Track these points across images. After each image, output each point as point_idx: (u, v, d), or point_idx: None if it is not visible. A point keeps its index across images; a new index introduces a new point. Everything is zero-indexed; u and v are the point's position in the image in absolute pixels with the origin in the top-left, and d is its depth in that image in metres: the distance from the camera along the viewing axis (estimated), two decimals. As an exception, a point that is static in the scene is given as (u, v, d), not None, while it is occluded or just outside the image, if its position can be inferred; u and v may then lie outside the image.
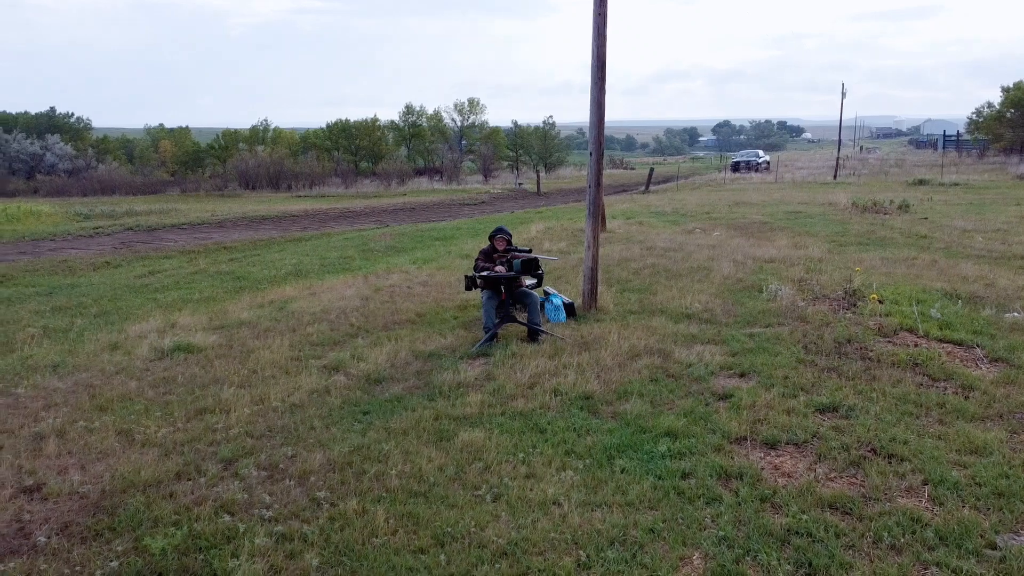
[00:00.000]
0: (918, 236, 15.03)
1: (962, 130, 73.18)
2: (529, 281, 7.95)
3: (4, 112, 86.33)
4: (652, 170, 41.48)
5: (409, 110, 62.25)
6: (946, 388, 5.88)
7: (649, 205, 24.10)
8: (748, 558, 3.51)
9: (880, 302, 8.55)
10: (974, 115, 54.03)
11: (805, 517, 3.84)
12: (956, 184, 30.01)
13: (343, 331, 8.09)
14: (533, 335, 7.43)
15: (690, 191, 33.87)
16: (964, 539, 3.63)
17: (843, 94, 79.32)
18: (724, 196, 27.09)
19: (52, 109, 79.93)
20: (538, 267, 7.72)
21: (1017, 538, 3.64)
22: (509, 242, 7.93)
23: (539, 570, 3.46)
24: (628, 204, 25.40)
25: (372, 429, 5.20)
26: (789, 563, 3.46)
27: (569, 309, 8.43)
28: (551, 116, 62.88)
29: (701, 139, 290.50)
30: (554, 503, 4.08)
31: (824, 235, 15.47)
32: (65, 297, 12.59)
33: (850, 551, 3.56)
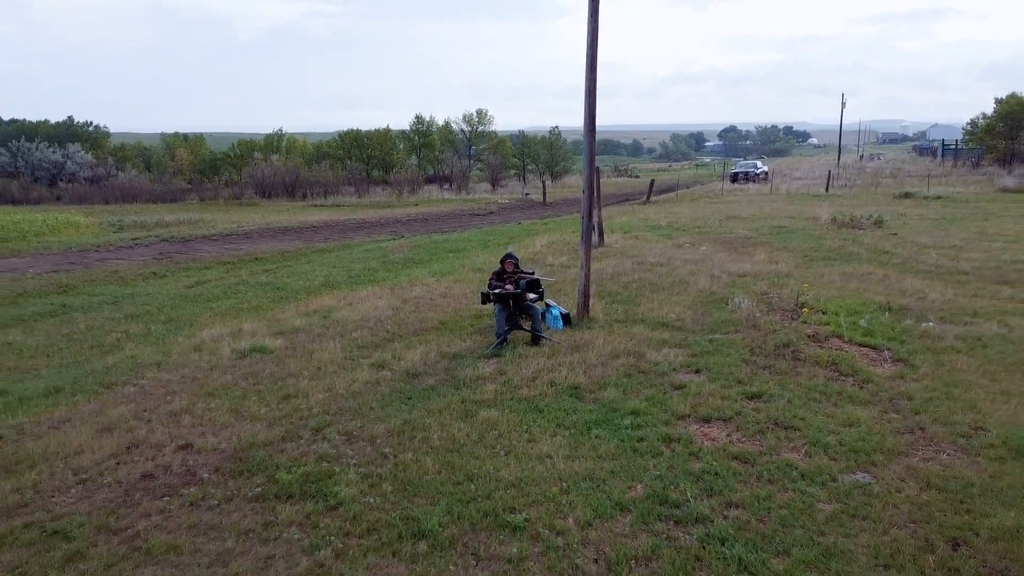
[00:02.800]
0: (881, 252, 16.83)
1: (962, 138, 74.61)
2: (532, 296, 9.79)
3: (25, 121, 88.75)
4: (653, 182, 43.29)
5: (419, 120, 64.24)
6: (849, 381, 7.72)
7: (647, 218, 25.92)
8: (672, 487, 5.37)
9: (822, 312, 10.40)
10: (968, 125, 55.65)
11: (716, 464, 5.70)
12: (939, 197, 31.72)
13: (381, 336, 9.98)
14: (535, 340, 9.29)
15: (688, 203, 35.67)
16: (817, 476, 5.48)
17: (843, 104, 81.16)
18: (718, 209, 28.90)
19: (71, 118, 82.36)
20: (539, 286, 9.59)
21: (852, 476, 5.49)
22: (516, 265, 9.79)
23: (535, 494, 5.32)
24: (627, 217, 27.22)
25: (415, 409, 7.08)
26: (698, 489, 5.32)
27: (566, 319, 10.29)
28: (557, 126, 64.76)
29: (708, 144, 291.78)
30: (547, 456, 5.94)
31: (798, 250, 17.28)
32: (131, 305, 14.51)
33: (740, 482, 5.42)
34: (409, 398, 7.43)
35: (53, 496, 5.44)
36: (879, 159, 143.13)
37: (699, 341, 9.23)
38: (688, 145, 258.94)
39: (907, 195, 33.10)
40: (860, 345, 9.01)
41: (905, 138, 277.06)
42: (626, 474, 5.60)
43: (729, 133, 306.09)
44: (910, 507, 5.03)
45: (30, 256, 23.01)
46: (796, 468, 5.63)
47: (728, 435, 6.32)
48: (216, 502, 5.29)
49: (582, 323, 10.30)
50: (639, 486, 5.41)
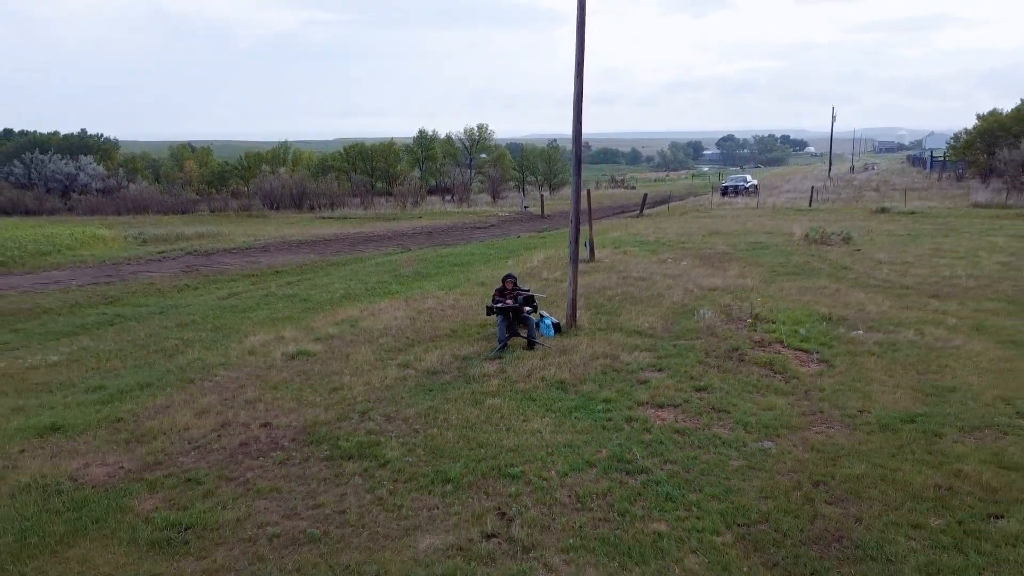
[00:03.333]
0: (841, 267, 18.88)
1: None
2: (528, 309, 11.81)
3: (36, 133, 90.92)
4: (646, 196, 45.36)
5: (423, 134, 66.37)
6: (778, 378, 9.76)
7: (637, 233, 27.97)
8: (627, 451, 7.39)
9: (772, 322, 12.44)
10: (952, 140, 57.81)
11: (662, 435, 7.74)
12: (912, 213, 33.79)
13: (403, 342, 12.01)
14: (531, 345, 11.31)
15: (678, 217, 37.73)
16: (735, 444, 7.52)
17: (833, 117, 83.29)
18: (704, 224, 30.96)
19: (83, 131, 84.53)
20: (534, 301, 11.64)
21: (760, 443, 7.53)
22: (515, 283, 11.82)
23: (528, 456, 7.34)
24: (619, 232, 29.26)
25: (436, 398, 9.10)
26: (646, 452, 7.35)
27: (556, 327, 12.32)
28: (555, 140, 66.89)
29: (706, 152, 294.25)
30: (538, 431, 7.97)
31: (768, 266, 19.32)
32: (177, 316, 16.53)
33: (677, 447, 7.45)
34: (431, 390, 9.47)
35: (178, 457, 7.48)
36: (873, 169, 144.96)
37: (665, 346, 11.27)
38: (686, 154, 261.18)
39: (883, 210, 35.17)
40: (796, 349, 11.06)
41: (901, 147, 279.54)
42: (595, 443, 7.63)
43: (727, 142, 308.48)
44: (793, 462, 7.07)
45: (69, 269, 25.07)
46: (720, 439, 7.67)
47: (675, 416, 8.36)
48: (298, 461, 7.33)
49: (570, 331, 12.33)
50: (604, 451, 7.44)
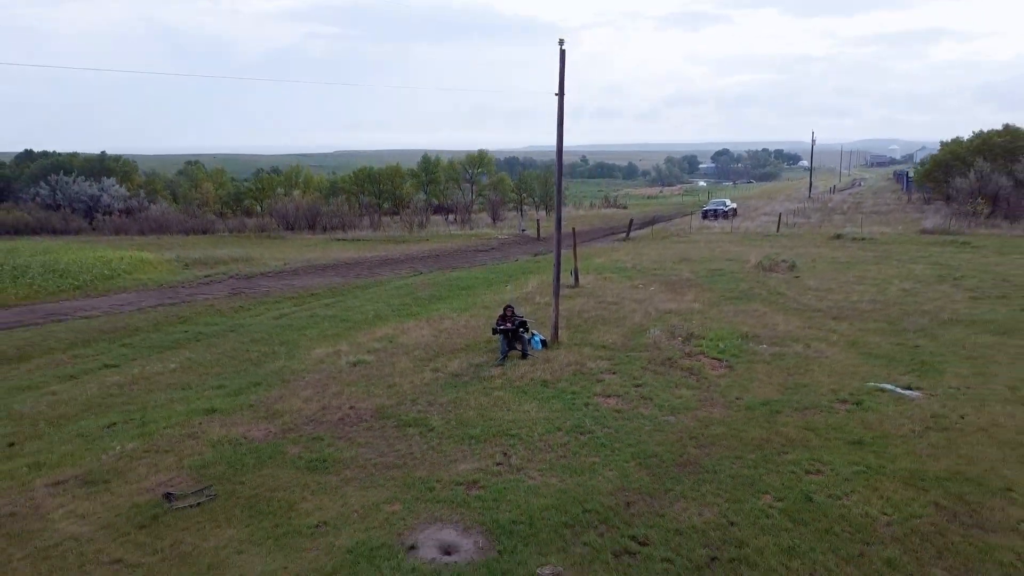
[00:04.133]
0: (776, 293, 23.35)
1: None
2: (522, 330, 16.24)
3: (57, 154, 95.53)
4: (632, 221, 49.91)
5: (427, 160, 71.05)
6: (693, 379, 14.22)
7: (618, 260, 32.48)
8: (583, 422, 11.86)
9: (702, 339, 16.91)
10: (918, 165, 62.50)
11: (606, 413, 12.21)
12: (864, 239, 38.34)
13: (431, 353, 16.48)
14: (524, 356, 15.76)
15: (658, 242, 42.24)
16: (651, 418, 11.99)
17: (812, 142, 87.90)
18: (678, 251, 35.49)
19: (103, 153, 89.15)
20: (527, 324, 16.14)
21: (666, 418, 12.01)
22: (513, 311, 16.28)
23: (521, 425, 11.79)
24: (603, 258, 33.75)
25: (460, 391, 13.56)
26: (594, 423, 11.81)
27: (543, 343, 16.78)
28: (551, 163, 71.40)
29: (701, 166, 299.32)
30: (527, 411, 12.43)
31: (718, 291, 23.80)
32: (247, 333, 20.95)
33: (614, 420, 11.91)
34: (455, 386, 13.93)
35: (302, 426, 11.94)
36: (859, 185, 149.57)
37: (620, 356, 15.75)
38: (681, 168, 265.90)
39: (838, 236, 39.75)
40: (713, 359, 15.54)
41: (893, 161, 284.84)
42: (563, 417, 12.09)
43: (722, 156, 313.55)
44: (683, 428, 11.54)
45: (135, 292, 29.56)
46: (642, 415, 12.14)
47: (616, 402, 12.84)
48: (377, 428, 11.79)
49: (553, 345, 16.81)
50: (568, 422, 11.91)
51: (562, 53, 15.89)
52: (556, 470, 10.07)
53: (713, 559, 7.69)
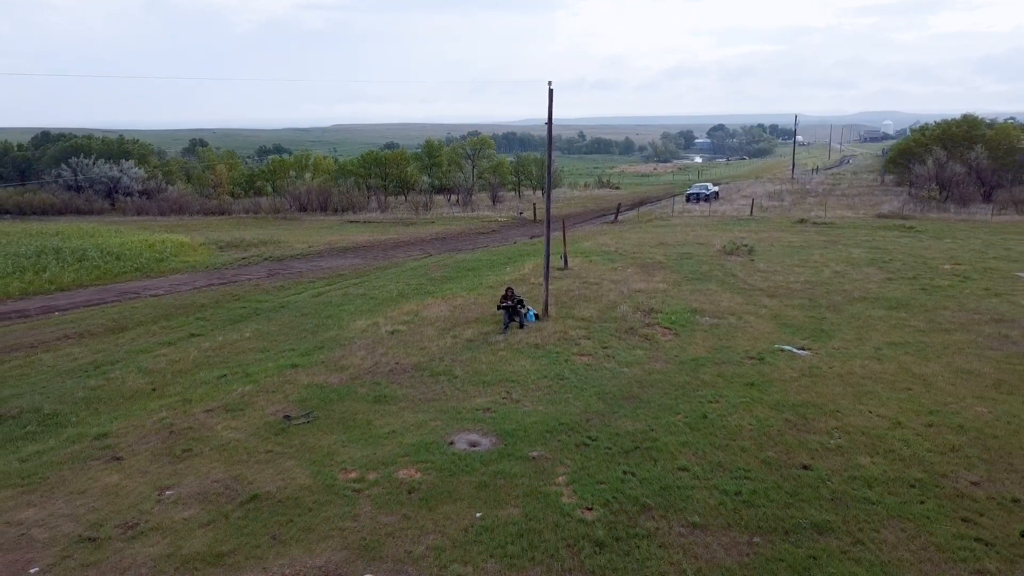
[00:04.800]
0: (730, 275, 28.14)
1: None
2: (520, 306, 21.03)
3: (74, 137, 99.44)
4: (619, 205, 54.56)
5: (430, 144, 75.45)
6: (647, 343, 19.10)
7: (603, 244, 37.21)
8: (562, 371, 16.74)
9: (660, 313, 21.77)
10: (885, 152, 67.02)
11: (580, 365, 17.10)
12: (824, 224, 43.09)
13: (449, 324, 21.31)
14: (521, 326, 20.59)
15: (642, 225, 46.96)
16: (612, 369, 16.88)
17: (795, 126, 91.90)
18: (657, 235, 40.24)
19: (121, 136, 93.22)
20: (524, 302, 20.97)
21: (622, 369, 16.90)
22: (513, 292, 21.09)
23: (519, 375, 16.67)
24: (590, 242, 38.46)
25: (473, 352, 18.43)
26: (570, 373, 16.70)
27: (536, 317, 21.60)
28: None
29: (697, 141, 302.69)
30: (524, 365, 17.31)
31: (683, 273, 28.58)
32: (296, 309, 25.71)
33: (585, 371, 16.80)
34: (470, 348, 18.79)
35: (364, 375, 16.81)
36: (847, 163, 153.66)
37: (595, 327, 20.60)
38: (677, 144, 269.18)
39: (802, 221, 44.49)
40: (665, 328, 20.40)
41: (885, 136, 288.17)
42: (548, 369, 16.98)
43: (718, 131, 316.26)
44: (632, 376, 16.43)
45: (186, 274, 34.33)
46: (606, 367, 17.03)
47: (587, 359, 17.72)
48: (417, 376, 16.67)
49: (544, 318, 21.64)
50: (552, 372, 16.79)
51: (550, 92, 20.52)
52: (542, 402, 14.97)
53: (636, 447, 12.59)
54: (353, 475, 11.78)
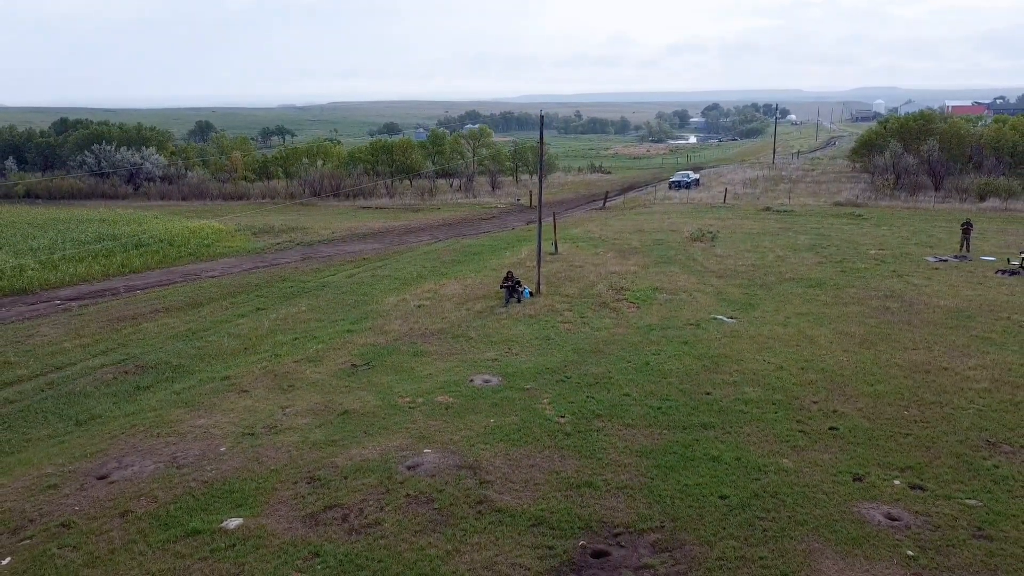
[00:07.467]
0: (692, 259, 34.00)
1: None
2: (518, 286, 26.90)
3: (92, 124, 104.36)
4: (608, 193, 60.26)
5: (434, 134, 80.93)
6: (615, 316, 25.05)
7: (589, 231, 43.01)
8: (549, 335, 22.71)
9: (628, 291, 27.72)
10: (856, 142, 72.58)
11: (562, 330, 23.08)
12: (786, 211, 48.85)
13: (463, 299, 27.22)
14: (519, 302, 26.51)
15: (626, 212, 52.72)
16: (588, 333, 22.85)
17: (776, 117, 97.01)
18: (637, 222, 46.04)
19: (139, 124, 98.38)
20: (521, 283, 26.91)
21: (594, 333, 22.89)
22: (512, 274, 26.98)
23: (518, 338, 22.63)
24: (579, 229, 44.25)
25: (483, 320, 24.37)
26: (555, 335, 22.69)
27: (531, 294, 27.51)
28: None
29: (692, 120, 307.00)
30: (521, 330, 23.27)
31: (653, 257, 34.43)
32: (335, 289, 31.52)
33: (567, 334, 22.78)
34: (480, 318, 24.73)
35: (404, 336, 22.75)
36: (834, 145, 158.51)
37: (576, 302, 26.53)
38: (672, 124, 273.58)
39: (767, 209, 50.26)
40: (631, 303, 26.33)
41: (876, 116, 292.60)
42: (540, 334, 22.95)
43: (712, 111, 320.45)
44: (601, 338, 22.40)
45: (233, 258, 40.13)
46: (582, 332, 23.00)
47: (568, 326, 23.68)
48: (443, 338, 22.62)
49: (537, 295, 27.54)
50: (541, 335, 22.75)
51: (541, 119, 26.30)
52: (534, 355, 20.92)
53: (596, 383, 18.56)
54: (407, 400, 17.77)
